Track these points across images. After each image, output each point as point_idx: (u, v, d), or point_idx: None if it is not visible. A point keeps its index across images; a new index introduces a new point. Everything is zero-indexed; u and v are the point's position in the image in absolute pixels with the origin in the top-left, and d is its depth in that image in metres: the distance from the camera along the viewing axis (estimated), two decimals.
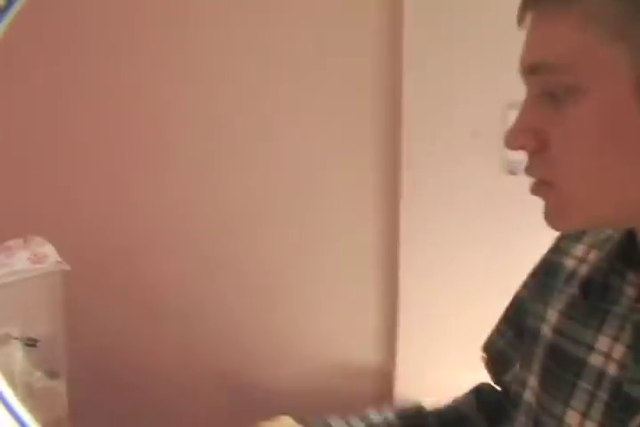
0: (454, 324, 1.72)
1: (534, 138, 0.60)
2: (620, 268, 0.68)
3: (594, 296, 0.70)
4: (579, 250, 0.77)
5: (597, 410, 0.66)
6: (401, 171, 1.72)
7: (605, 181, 0.59)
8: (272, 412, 1.62)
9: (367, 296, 1.82)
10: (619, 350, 0.65)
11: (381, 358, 1.83)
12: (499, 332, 0.91)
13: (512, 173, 1.67)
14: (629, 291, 0.66)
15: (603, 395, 0.66)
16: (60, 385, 1.51)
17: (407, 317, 1.75)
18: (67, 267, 1.58)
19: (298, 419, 1.62)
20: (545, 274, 0.82)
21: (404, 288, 1.75)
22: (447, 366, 1.74)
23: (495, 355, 0.91)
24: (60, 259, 1.58)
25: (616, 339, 0.66)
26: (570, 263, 0.77)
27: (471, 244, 1.73)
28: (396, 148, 1.73)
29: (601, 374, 0.66)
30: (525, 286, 0.87)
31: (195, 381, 1.87)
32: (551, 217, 0.63)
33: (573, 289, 0.73)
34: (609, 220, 0.64)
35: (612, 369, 0.66)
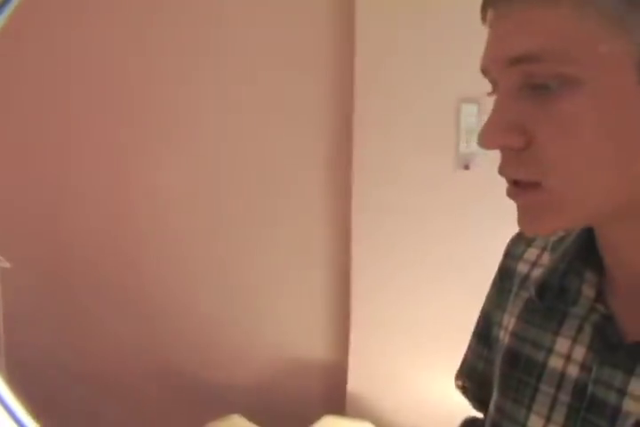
0: (406, 319, 1.72)
1: (517, 135, 0.55)
2: (578, 268, 0.66)
3: (551, 298, 0.68)
4: (531, 254, 0.75)
5: (560, 413, 0.65)
6: (352, 167, 1.72)
7: (591, 177, 0.54)
8: (223, 410, 1.62)
9: (319, 293, 1.81)
10: (579, 352, 0.64)
11: (333, 353, 1.83)
12: (475, 354, 0.86)
13: (466, 167, 1.67)
14: (588, 291, 0.65)
15: (564, 397, 0.65)
16: None
17: (359, 312, 1.75)
18: (6, 264, 1.54)
19: (249, 417, 1.61)
20: (500, 280, 0.79)
21: (356, 284, 1.75)
22: (399, 362, 1.74)
23: (477, 381, 0.85)
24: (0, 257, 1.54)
25: (575, 340, 0.65)
26: (523, 268, 0.75)
27: (424, 238, 1.73)
28: (348, 144, 1.72)
29: (562, 377, 0.65)
30: (487, 297, 0.84)
31: (145, 379, 1.84)
32: (531, 221, 0.58)
33: (529, 293, 0.72)
34: (585, 221, 0.61)
35: (573, 371, 0.65)
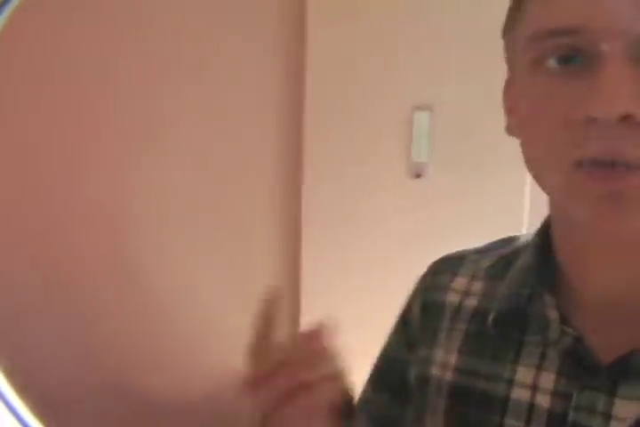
0: (357, 328, 1.70)
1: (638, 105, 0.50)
2: (537, 292, 0.63)
3: (503, 327, 0.65)
4: (459, 283, 0.72)
5: None
6: (303, 174, 1.70)
7: None
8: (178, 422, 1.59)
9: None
10: (547, 379, 0.61)
11: None
12: (375, 404, 0.80)
13: (417, 175, 1.65)
14: (552, 314, 0.62)
15: None
16: None
17: (309, 319, 1.72)
18: None
19: None
20: (423, 315, 0.75)
21: (306, 292, 1.73)
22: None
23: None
24: None
25: (539, 368, 0.62)
26: (454, 298, 0.71)
27: (374, 246, 1.71)
28: (299, 151, 1.70)
29: (531, 408, 0.62)
30: (390, 341, 0.80)
31: (100, 393, 1.79)
32: (624, 213, 0.53)
33: (466, 324, 0.68)
34: None
35: (543, 401, 0.61)
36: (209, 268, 1.78)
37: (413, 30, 1.60)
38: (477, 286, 0.70)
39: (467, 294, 0.71)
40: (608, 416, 0.57)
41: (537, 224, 1.94)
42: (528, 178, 1.73)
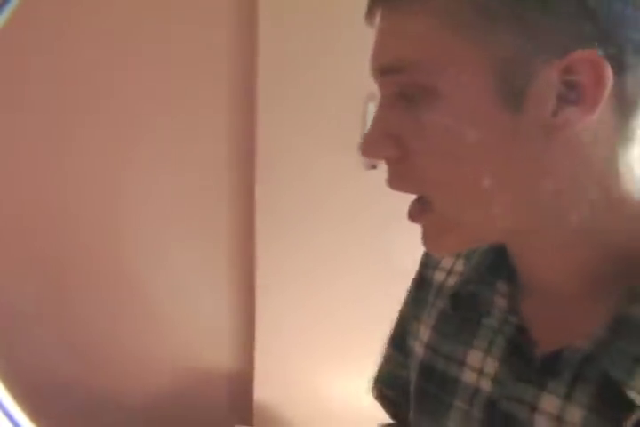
0: (313, 326, 1.70)
1: (393, 145, 0.54)
2: (491, 278, 0.64)
3: (464, 308, 0.66)
4: (446, 262, 0.73)
5: None
6: (255, 167, 1.68)
7: (476, 193, 0.53)
8: (123, 424, 1.57)
9: (224, 298, 1.78)
10: (491, 365, 0.62)
11: (239, 361, 1.79)
12: (393, 361, 0.82)
13: (373, 167, 1.65)
14: (500, 302, 0.63)
15: (477, 413, 0.62)
16: None
17: (264, 319, 1.72)
18: None
19: None
20: (416, 289, 0.77)
21: (261, 290, 1.71)
22: (306, 369, 1.72)
23: (403, 387, 0.79)
24: None
25: (488, 353, 0.63)
26: (439, 276, 0.73)
27: (329, 238, 1.70)
28: (251, 143, 1.68)
29: (475, 392, 0.63)
30: (403, 306, 0.81)
31: (36, 392, 1.75)
32: (430, 241, 0.58)
33: (443, 302, 0.69)
34: (491, 238, 0.60)
35: (485, 386, 0.62)
36: (164, 268, 1.77)
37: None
38: (459, 264, 0.71)
39: (450, 272, 0.72)
40: (534, 409, 0.57)
41: None
42: None
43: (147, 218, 1.75)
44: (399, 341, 0.80)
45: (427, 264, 0.76)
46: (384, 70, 0.55)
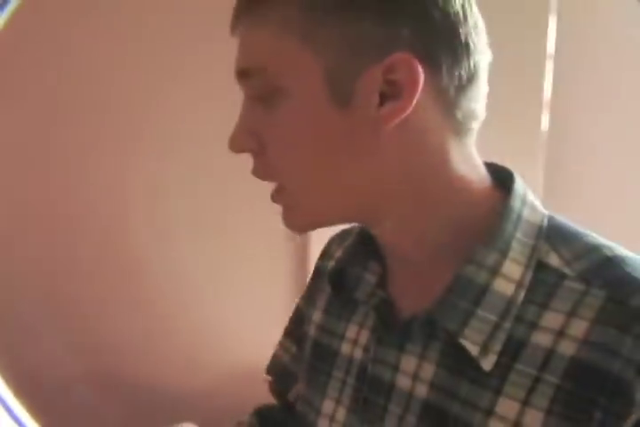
0: None
1: (252, 140, 0.63)
2: (362, 258, 0.73)
3: (344, 288, 0.74)
4: (337, 252, 0.82)
5: (347, 395, 0.70)
6: None
7: (322, 180, 0.62)
8: (175, 418, 1.57)
9: (280, 297, 1.77)
10: (364, 336, 0.70)
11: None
12: (282, 348, 0.92)
13: None
14: (370, 278, 0.72)
15: (351, 380, 0.70)
16: None
17: None
18: None
19: (202, 424, 1.57)
20: (313, 279, 0.86)
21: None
22: None
23: (279, 373, 0.92)
24: None
25: (362, 325, 0.71)
26: (330, 264, 0.81)
27: None
28: None
29: (350, 361, 0.71)
30: (301, 296, 0.89)
31: (97, 385, 1.79)
32: (285, 220, 0.66)
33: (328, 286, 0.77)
34: (338, 219, 0.67)
35: (357, 354, 0.70)
36: (224, 265, 1.78)
37: None
38: (339, 251, 0.80)
39: (332, 258, 0.82)
40: (396, 369, 0.65)
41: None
42: (542, 170, 1.72)
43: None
44: (292, 329, 0.90)
45: (325, 255, 0.86)
46: (240, 75, 0.63)
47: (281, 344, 0.92)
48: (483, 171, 0.65)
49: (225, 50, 1.59)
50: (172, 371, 1.78)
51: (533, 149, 1.65)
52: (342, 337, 0.72)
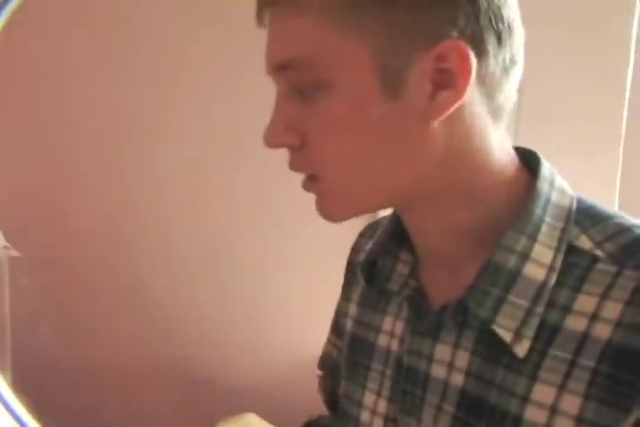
0: None
1: (293, 134, 0.61)
2: (394, 249, 0.72)
3: (377, 280, 0.73)
4: (367, 244, 0.82)
5: (386, 387, 0.70)
6: None
7: (366, 170, 0.61)
8: (237, 409, 1.58)
9: (333, 289, 1.76)
10: (399, 327, 0.70)
11: None
12: (330, 343, 0.92)
13: None
14: (402, 268, 0.71)
15: (389, 372, 0.70)
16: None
17: None
18: (15, 253, 1.52)
19: (264, 415, 1.58)
20: (347, 274, 0.86)
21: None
22: None
23: (330, 368, 0.91)
24: (7, 244, 1.52)
25: (397, 317, 0.71)
26: (361, 257, 0.80)
27: None
28: None
29: (387, 353, 0.71)
30: (341, 289, 0.89)
31: (153, 379, 1.81)
32: (322, 209, 0.65)
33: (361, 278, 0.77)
34: (375, 208, 0.66)
35: (394, 346, 0.70)
36: (275, 259, 1.78)
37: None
38: (369, 244, 0.80)
39: (362, 251, 0.83)
40: (431, 359, 0.65)
41: (626, 213, 1.85)
42: (619, 164, 1.67)
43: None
44: (334, 324, 0.90)
45: (355, 248, 0.86)
46: (276, 68, 0.61)
47: (328, 340, 0.93)
48: (513, 154, 0.65)
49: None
50: (233, 362, 1.79)
51: (612, 142, 1.60)
52: (378, 329, 0.73)
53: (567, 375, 0.56)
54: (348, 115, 0.58)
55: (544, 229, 0.60)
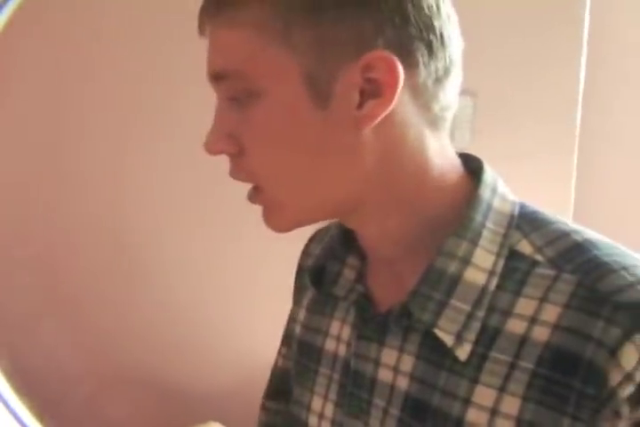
0: None
1: (231, 142, 0.62)
2: (341, 254, 0.73)
3: (325, 285, 0.74)
4: (313, 248, 0.83)
5: (333, 391, 0.70)
6: None
7: (301, 183, 0.62)
8: (201, 417, 1.58)
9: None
10: (346, 331, 0.71)
11: None
12: (279, 355, 0.93)
13: None
14: (348, 273, 0.72)
15: (336, 376, 0.70)
16: None
17: None
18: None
19: (227, 424, 1.58)
20: (297, 279, 0.86)
21: None
22: None
23: (278, 375, 0.91)
24: None
25: (344, 321, 0.71)
26: (309, 262, 0.81)
27: None
28: None
29: (335, 357, 0.71)
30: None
31: (119, 382, 1.79)
32: (266, 220, 0.65)
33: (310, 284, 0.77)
34: (319, 217, 0.67)
35: (341, 350, 0.71)
36: (243, 266, 1.77)
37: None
38: (317, 248, 0.81)
39: (310, 255, 0.83)
40: (377, 363, 0.65)
41: (582, 212, 1.89)
42: (574, 165, 1.70)
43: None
44: (285, 332, 0.90)
45: (304, 254, 0.86)
46: (213, 78, 0.62)
47: (278, 351, 0.93)
48: (456, 161, 0.65)
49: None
50: (197, 370, 1.78)
51: (567, 143, 1.63)
52: (326, 334, 0.73)
53: (507, 378, 0.57)
54: (281, 125, 0.59)
55: (485, 234, 0.61)
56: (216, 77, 0.62)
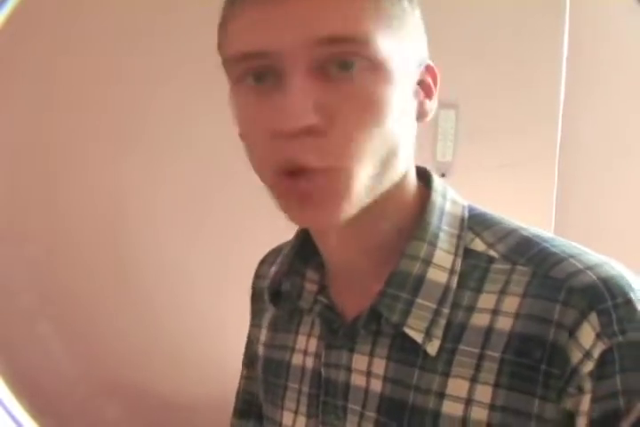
0: None
1: (319, 115, 0.55)
2: (300, 269, 0.73)
3: (286, 302, 0.74)
4: (269, 270, 0.81)
5: (303, 404, 0.71)
6: None
7: (390, 164, 0.60)
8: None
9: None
10: (313, 344, 0.72)
11: None
12: (242, 378, 0.92)
13: (442, 175, 1.64)
14: (310, 287, 0.73)
15: (305, 388, 0.71)
16: None
17: None
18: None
19: None
20: (253, 303, 0.86)
21: None
22: None
23: (244, 398, 0.91)
24: None
25: (309, 335, 0.73)
26: (264, 284, 0.79)
27: None
28: None
29: (302, 371, 0.72)
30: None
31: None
32: (321, 208, 0.58)
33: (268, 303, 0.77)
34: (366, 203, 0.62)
35: (309, 363, 0.72)
36: (206, 267, 1.77)
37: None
38: (270, 271, 0.80)
39: (266, 277, 0.81)
40: (349, 370, 0.67)
41: (564, 222, 1.89)
42: (555, 177, 1.72)
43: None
44: (246, 354, 0.90)
45: (257, 276, 0.86)
46: (324, 41, 0.55)
47: (241, 375, 0.92)
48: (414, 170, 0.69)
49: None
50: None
51: (548, 155, 1.65)
52: (292, 349, 0.74)
53: (477, 368, 0.59)
54: (390, 100, 0.58)
55: (442, 236, 0.65)
56: (331, 40, 0.55)
